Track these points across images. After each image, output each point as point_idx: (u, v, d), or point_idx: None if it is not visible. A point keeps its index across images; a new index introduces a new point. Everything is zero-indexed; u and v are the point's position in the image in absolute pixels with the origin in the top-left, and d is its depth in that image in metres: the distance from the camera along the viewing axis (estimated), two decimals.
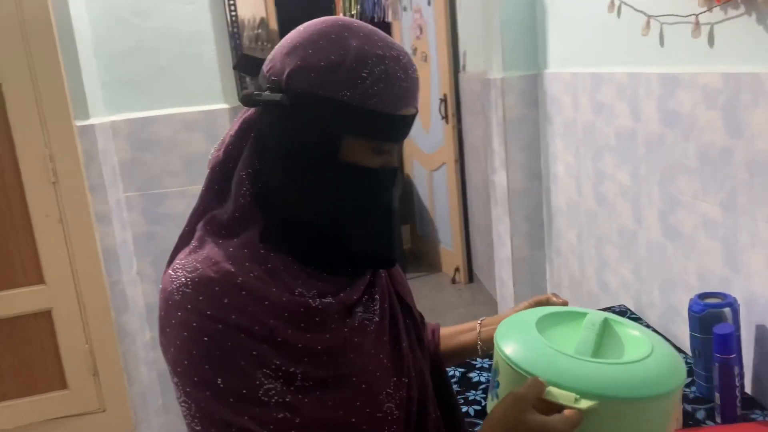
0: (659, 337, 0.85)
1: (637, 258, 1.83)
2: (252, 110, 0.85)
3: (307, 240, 0.85)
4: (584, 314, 0.88)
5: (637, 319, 1.78)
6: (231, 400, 0.75)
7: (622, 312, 1.83)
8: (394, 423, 0.87)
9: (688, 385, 1.42)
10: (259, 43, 4.49)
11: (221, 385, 0.74)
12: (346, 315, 0.86)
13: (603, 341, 0.84)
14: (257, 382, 0.75)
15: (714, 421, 1.29)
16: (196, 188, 1.16)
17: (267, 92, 0.80)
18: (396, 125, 0.82)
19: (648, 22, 1.62)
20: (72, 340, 2.26)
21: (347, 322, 0.85)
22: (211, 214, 0.86)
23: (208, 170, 0.88)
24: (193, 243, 0.84)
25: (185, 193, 2.42)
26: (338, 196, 0.83)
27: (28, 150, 2.11)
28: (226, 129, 0.94)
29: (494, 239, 2.78)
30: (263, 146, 0.84)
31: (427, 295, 4.24)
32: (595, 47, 1.96)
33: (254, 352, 0.76)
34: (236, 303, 0.76)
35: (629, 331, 0.86)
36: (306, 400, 0.78)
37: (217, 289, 0.76)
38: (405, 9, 4.30)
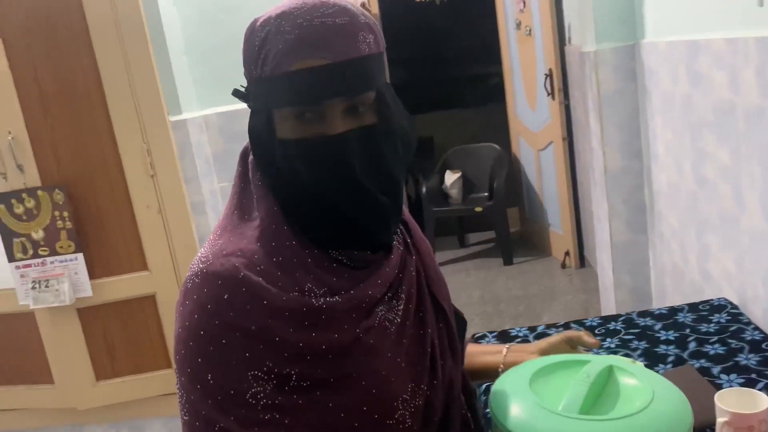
0: (665, 385, 0.78)
1: (739, 246, 1.64)
2: None
3: (305, 218, 0.82)
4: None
5: (739, 315, 1.60)
6: (218, 398, 0.75)
7: (722, 306, 1.65)
8: None
9: None
10: None
11: (211, 382, 0.75)
12: (363, 314, 0.81)
13: (604, 392, 0.79)
14: (245, 385, 0.75)
15: None
16: None
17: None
18: (295, 83, 0.74)
19: None
20: (174, 323, 2.40)
21: (363, 321, 0.81)
22: (244, 201, 0.86)
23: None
24: (219, 230, 0.84)
25: None
26: (289, 174, 0.79)
27: (128, 145, 2.26)
28: None
29: (594, 223, 2.61)
30: None
31: (535, 280, 4.10)
32: (691, 11, 1.76)
33: (247, 354, 0.75)
34: (235, 300, 0.75)
35: (630, 380, 0.79)
36: (300, 401, 0.76)
37: (219, 282, 0.76)
38: None
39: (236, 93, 0.83)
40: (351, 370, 0.79)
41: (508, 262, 4.36)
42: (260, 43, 0.76)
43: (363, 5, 4.50)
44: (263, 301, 0.76)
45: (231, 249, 0.79)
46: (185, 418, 0.78)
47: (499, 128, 4.87)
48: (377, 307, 0.83)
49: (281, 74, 0.74)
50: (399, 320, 0.85)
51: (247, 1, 2.31)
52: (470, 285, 4.18)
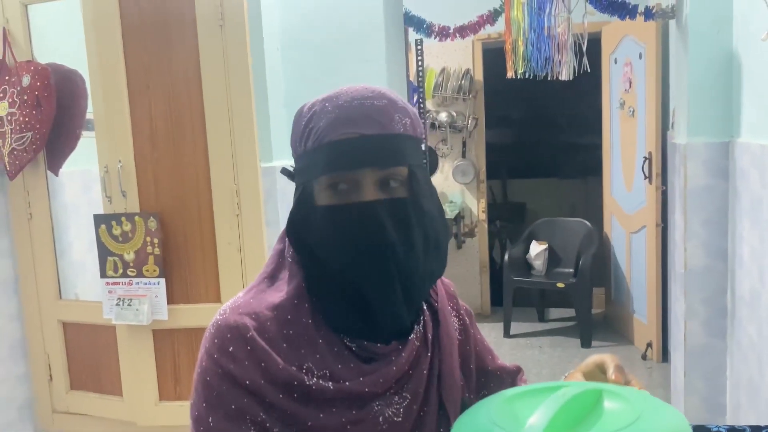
0: (659, 405, 0.68)
1: None
2: None
3: (326, 293, 0.86)
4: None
5: None
6: None
7: None
8: None
9: None
10: (461, 93, 4.60)
11: (211, 424, 0.80)
12: (354, 404, 0.83)
13: (588, 417, 0.68)
14: (243, 427, 0.79)
15: None
16: None
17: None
18: (331, 153, 0.81)
19: None
20: None
21: (353, 412, 0.82)
22: (276, 273, 0.92)
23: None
24: (244, 291, 0.91)
25: None
26: (321, 240, 0.84)
27: (220, 185, 2.42)
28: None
29: (671, 319, 2.49)
30: None
31: None
32: None
33: (245, 400, 0.80)
34: (238, 355, 0.81)
35: (618, 403, 0.68)
36: None
37: (228, 336, 0.82)
38: (615, 62, 4.10)
39: (284, 171, 0.92)
40: None
41: (586, 344, 4.20)
42: (305, 123, 0.85)
43: (467, 72, 4.59)
44: (261, 363, 0.81)
45: (248, 310, 0.84)
46: None
47: (593, 204, 4.78)
48: (374, 401, 0.83)
49: (320, 146, 0.82)
50: (397, 419, 0.84)
51: (343, 65, 2.46)
52: (543, 362, 4.05)
